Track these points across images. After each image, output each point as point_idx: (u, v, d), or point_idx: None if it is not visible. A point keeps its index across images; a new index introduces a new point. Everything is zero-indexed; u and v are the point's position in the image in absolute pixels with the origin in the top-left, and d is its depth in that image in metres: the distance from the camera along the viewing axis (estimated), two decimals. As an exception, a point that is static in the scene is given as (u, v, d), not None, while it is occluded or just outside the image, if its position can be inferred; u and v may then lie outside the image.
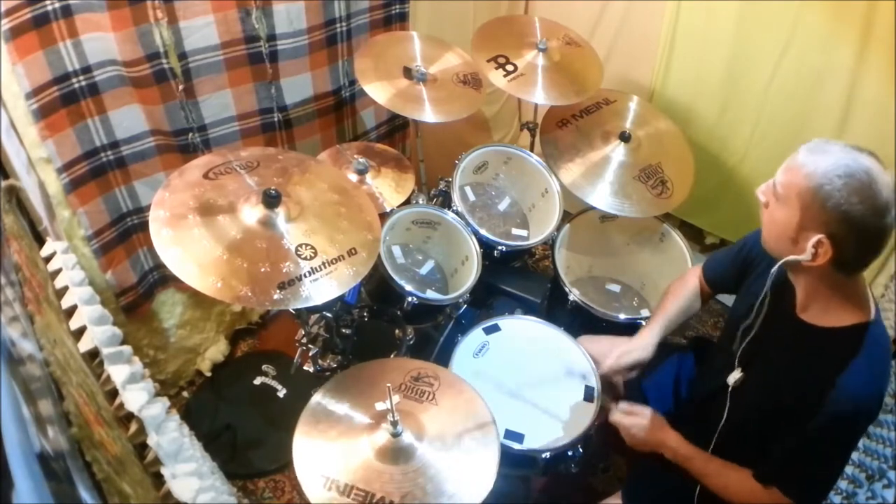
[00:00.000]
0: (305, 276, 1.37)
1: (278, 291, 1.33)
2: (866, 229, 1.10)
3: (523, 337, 1.79)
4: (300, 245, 1.41)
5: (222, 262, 1.33)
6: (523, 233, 2.16)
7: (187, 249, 1.33)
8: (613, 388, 1.73)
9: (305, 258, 1.39)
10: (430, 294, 1.89)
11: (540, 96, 2.05)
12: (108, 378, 1.25)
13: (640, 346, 1.59)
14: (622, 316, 1.95)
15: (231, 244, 1.36)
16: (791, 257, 1.18)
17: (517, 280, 2.08)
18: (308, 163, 1.65)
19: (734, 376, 1.37)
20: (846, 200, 1.08)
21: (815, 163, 1.12)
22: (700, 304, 1.67)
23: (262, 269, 1.35)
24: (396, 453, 1.27)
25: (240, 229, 1.40)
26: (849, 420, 1.18)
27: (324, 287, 1.38)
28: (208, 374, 2.29)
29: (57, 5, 1.49)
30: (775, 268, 1.23)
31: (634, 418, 1.50)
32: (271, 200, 1.42)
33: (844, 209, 1.09)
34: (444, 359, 1.71)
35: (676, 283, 1.70)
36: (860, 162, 1.10)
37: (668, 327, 1.63)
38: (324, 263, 1.40)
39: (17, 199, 1.45)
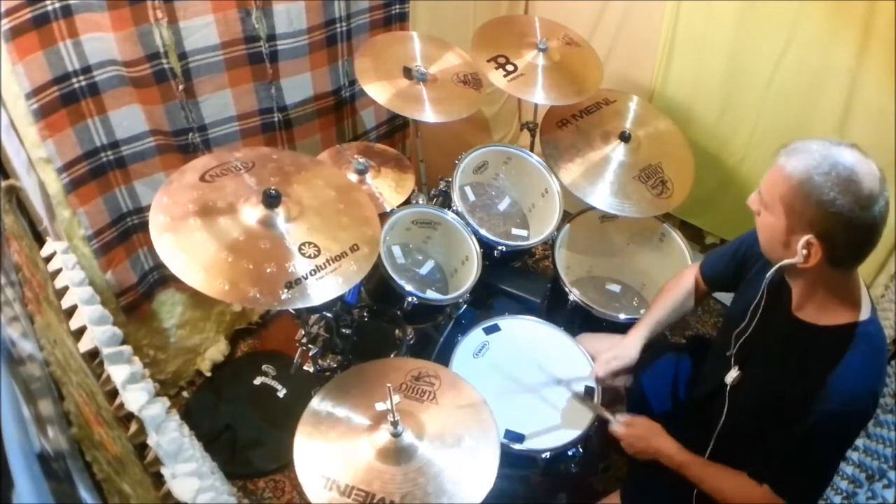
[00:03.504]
0: (311, 273, 1.37)
1: (286, 291, 1.33)
2: (854, 223, 1.08)
3: (523, 337, 1.80)
4: (303, 244, 1.41)
5: (228, 265, 1.33)
6: (523, 233, 2.16)
7: (191, 254, 1.33)
8: (615, 390, 1.73)
9: (309, 256, 1.40)
10: (430, 294, 1.89)
11: (540, 96, 2.05)
12: (108, 378, 1.25)
13: (625, 353, 1.60)
14: (622, 316, 1.95)
15: (234, 246, 1.37)
16: (785, 261, 1.17)
17: (517, 280, 2.08)
18: (303, 161, 1.65)
19: (732, 375, 1.38)
20: (829, 197, 1.07)
21: (794, 163, 1.11)
22: (693, 303, 1.66)
23: (269, 270, 1.35)
24: (397, 453, 1.27)
25: (242, 231, 1.40)
26: (841, 419, 1.18)
27: (329, 284, 1.38)
28: (208, 374, 2.29)
29: (57, 5, 1.49)
30: (770, 272, 1.23)
31: (633, 429, 1.52)
32: (271, 200, 1.42)
33: (828, 206, 1.07)
34: (444, 359, 1.71)
35: (671, 282, 1.70)
36: (839, 156, 1.09)
37: (655, 329, 1.64)
38: (328, 261, 1.41)
39: (17, 199, 1.45)
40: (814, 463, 1.24)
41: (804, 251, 1.13)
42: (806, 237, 1.11)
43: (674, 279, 1.70)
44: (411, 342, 1.92)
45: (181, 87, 1.76)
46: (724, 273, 1.56)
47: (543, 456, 1.54)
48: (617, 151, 2.09)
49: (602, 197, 2.01)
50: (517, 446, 1.55)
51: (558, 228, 2.07)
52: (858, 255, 1.15)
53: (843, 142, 1.12)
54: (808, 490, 1.27)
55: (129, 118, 1.74)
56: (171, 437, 1.24)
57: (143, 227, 1.90)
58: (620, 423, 1.54)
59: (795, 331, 1.25)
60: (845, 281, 1.20)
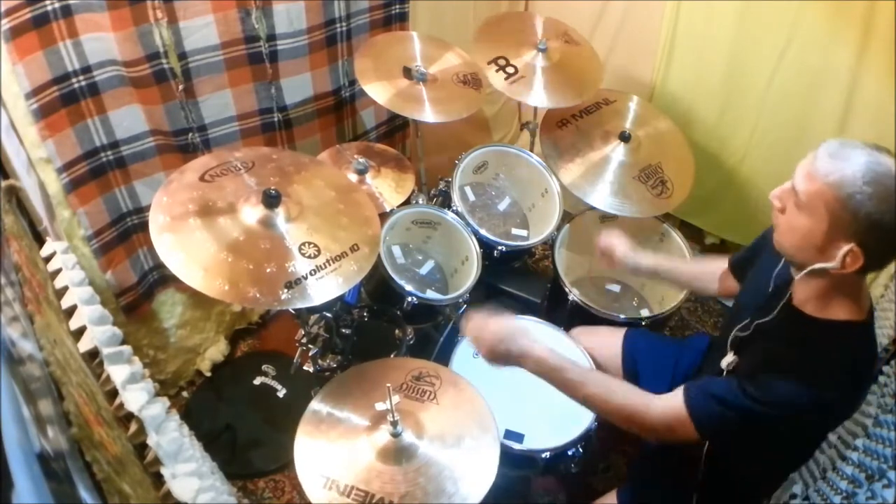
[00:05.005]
0: (311, 274, 1.37)
1: (285, 291, 1.33)
2: (894, 234, 1.07)
3: (523, 337, 1.79)
4: (303, 244, 1.42)
5: (228, 265, 1.33)
6: (523, 233, 2.16)
7: (191, 254, 1.33)
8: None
9: (309, 256, 1.40)
10: (430, 294, 1.89)
11: (540, 98, 2.05)
12: (108, 378, 1.25)
13: (629, 248, 1.70)
14: (622, 316, 1.95)
15: (234, 246, 1.37)
16: (818, 265, 1.15)
17: (517, 280, 2.08)
18: (303, 161, 1.66)
19: (727, 360, 1.37)
20: (877, 209, 1.06)
21: (840, 170, 1.09)
22: (715, 287, 1.65)
23: (268, 270, 1.35)
24: (397, 453, 1.28)
25: (242, 230, 1.40)
26: (803, 406, 1.14)
27: (329, 284, 1.38)
28: (208, 374, 2.29)
29: (57, 5, 1.49)
30: (800, 276, 1.20)
31: (489, 323, 1.34)
32: (271, 200, 1.42)
33: (876, 218, 1.06)
34: (444, 359, 1.71)
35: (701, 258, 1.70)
36: (885, 165, 1.08)
37: (665, 271, 1.68)
38: (328, 261, 1.41)
39: (17, 199, 1.45)
40: (753, 428, 1.19)
41: (843, 258, 1.11)
42: (849, 246, 1.10)
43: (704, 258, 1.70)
44: (411, 342, 1.92)
45: (181, 87, 1.76)
46: (744, 258, 1.55)
47: (543, 456, 1.54)
48: (617, 151, 2.09)
49: (602, 197, 2.01)
50: (517, 446, 1.55)
51: (558, 228, 2.07)
52: (886, 263, 1.15)
53: (881, 147, 1.11)
54: (717, 425, 1.21)
55: (129, 118, 1.74)
56: (171, 437, 1.24)
57: (143, 227, 1.89)
58: (474, 320, 1.36)
59: (793, 322, 1.24)
60: (858, 282, 1.20)
